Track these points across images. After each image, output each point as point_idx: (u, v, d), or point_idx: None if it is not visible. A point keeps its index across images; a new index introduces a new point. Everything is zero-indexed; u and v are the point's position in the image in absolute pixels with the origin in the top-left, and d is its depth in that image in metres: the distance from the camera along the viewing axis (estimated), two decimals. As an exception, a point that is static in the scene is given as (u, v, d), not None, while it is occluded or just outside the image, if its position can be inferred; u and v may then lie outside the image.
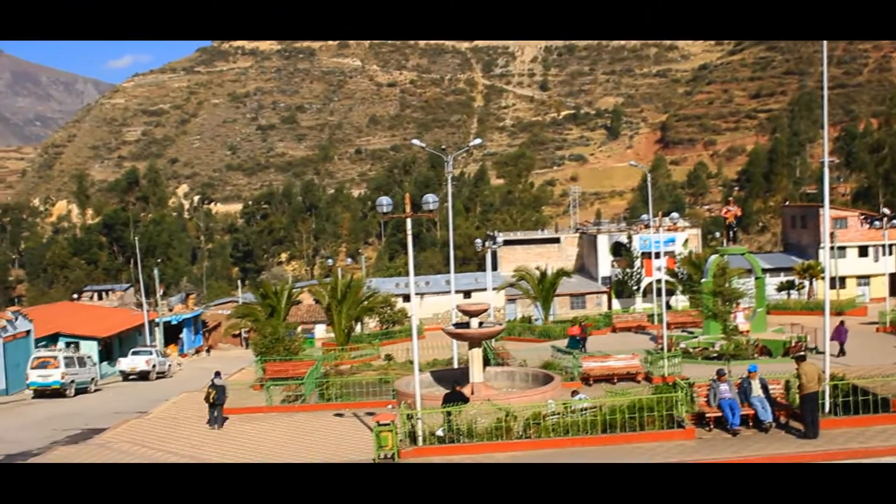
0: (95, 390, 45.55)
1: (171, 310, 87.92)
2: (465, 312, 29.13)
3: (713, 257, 43.57)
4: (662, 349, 36.17)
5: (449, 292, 42.15)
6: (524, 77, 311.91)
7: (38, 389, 41.15)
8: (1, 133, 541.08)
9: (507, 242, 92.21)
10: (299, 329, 61.22)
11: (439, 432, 21.54)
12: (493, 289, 68.00)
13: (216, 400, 27.62)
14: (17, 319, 46.90)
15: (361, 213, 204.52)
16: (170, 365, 58.62)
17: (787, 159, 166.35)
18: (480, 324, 28.95)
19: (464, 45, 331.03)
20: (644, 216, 76.36)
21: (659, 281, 47.83)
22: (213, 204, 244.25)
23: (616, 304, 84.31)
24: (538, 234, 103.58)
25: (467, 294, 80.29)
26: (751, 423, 22.14)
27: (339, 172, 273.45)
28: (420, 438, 21.51)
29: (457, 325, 30.13)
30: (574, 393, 25.98)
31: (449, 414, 21.87)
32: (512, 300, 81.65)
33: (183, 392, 37.73)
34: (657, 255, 54.88)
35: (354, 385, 32.17)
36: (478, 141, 43.40)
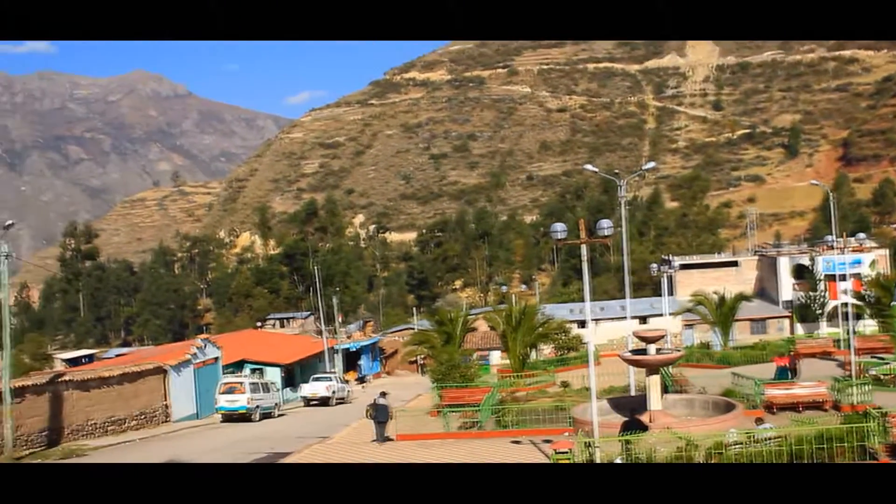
0: (279, 415, 46.94)
1: (349, 337, 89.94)
2: (642, 338, 28.67)
3: (904, 279, 41.51)
4: (851, 376, 34.62)
5: (624, 318, 41.63)
6: (696, 97, 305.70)
7: (226, 414, 42.68)
8: (189, 169, 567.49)
9: (683, 266, 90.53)
10: (475, 356, 61.56)
11: (618, 461, 21.22)
12: (670, 314, 66.74)
13: (376, 418, 29.92)
14: (206, 347, 48.90)
15: (534, 240, 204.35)
16: (349, 391, 59.90)
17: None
18: (658, 350, 28.44)
19: (633, 68, 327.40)
20: (828, 237, 73.52)
21: (845, 304, 45.93)
22: (388, 233, 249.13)
23: (799, 328, 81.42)
24: (715, 258, 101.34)
25: (643, 319, 79.07)
26: (951, 455, 20.91)
27: (511, 199, 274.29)
28: (598, 467, 21.26)
29: (634, 352, 29.67)
30: (758, 421, 25.17)
31: (628, 442, 21.55)
32: (689, 325, 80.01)
33: (362, 418, 38.47)
34: (842, 278, 52.70)
35: (530, 412, 32.07)
36: (651, 164, 42.81)
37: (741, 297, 62.18)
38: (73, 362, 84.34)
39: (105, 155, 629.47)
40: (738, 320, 68.27)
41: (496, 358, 77.53)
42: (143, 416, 39.16)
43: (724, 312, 60.31)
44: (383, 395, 32.00)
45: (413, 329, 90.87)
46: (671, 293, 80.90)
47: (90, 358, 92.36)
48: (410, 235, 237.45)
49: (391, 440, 30.32)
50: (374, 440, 30.22)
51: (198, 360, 46.67)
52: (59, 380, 33.85)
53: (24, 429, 30.36)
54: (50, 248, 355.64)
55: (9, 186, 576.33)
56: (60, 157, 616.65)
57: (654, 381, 27.49)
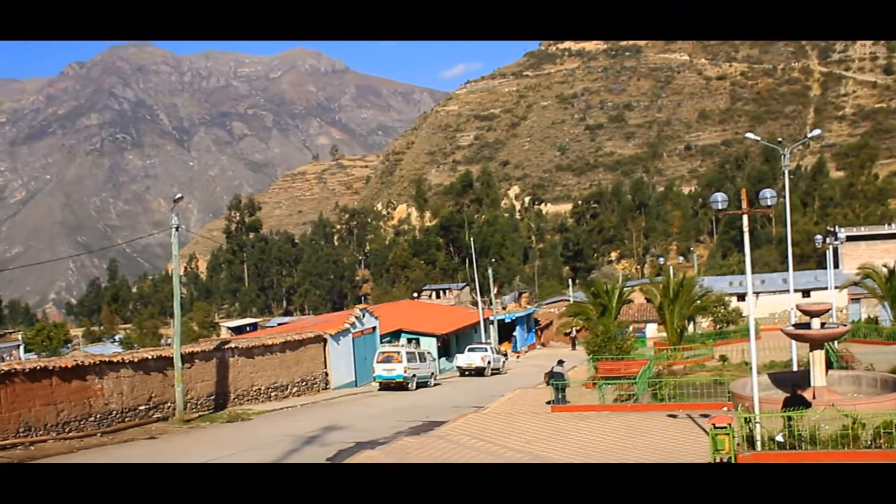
0: (434, 385, 47.55)
1: (504, 308, 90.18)
2: (806, 312, 27.72)
3: None
4: None
5: (786, 291, 40.39)
6: (865, 62, 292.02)
7: (382, 382, 43.45)
8: (348, 143, 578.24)
9: (849, 238, 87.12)
10: (630, 328, 60.86)
11: (779, 437, 20.61)
12: (835, 287, 64.33)
13: (552, 382, 31.62)
14: (364, 316, 49.86)
15: (692, 211, 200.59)
16: (504, 362, 60.14)
17: None
18: (822, 324, 27.46)
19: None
20: None
21: None
22: (543, 204, 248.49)
23: (978, 303, 77.26)
24: (884, 229, 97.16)
25: (806, 293, 76.68)
26: None
27: (668, 170, 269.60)
28: (758, 443, 20.72)
29: (796, 326, 28.75)
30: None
31: (790, 419, 20.90)
32: (856, 300, 76.96)
33: (517, 388, 38.59)
34: None
35: (688, 386, 31.53)
36: (816, 132, 41.20)
37: (913, 270, 59.31)
38: (238, 330, 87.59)
39: (267, 130, 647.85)
40: (909, 294, 65.22)
41: (652, 330, 76.57)
42: (303, 383, 40.26)
43: (893, 286, 57.67)
44: (560, 363, 33.36)
45: (568, 301, 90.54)
46: (836, 266, 78.02)
47: (254, 326, 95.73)
48: (566, 207, 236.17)
49: (568, 402, 31.43)
50: (548, 402, 31.44)
51: (356, 330, 47.61)
52: (226, 347, 35.09)
53: (192, 393, 31.66)
54: (216, 220, 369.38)
55: (178, 162, 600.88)
56: (225, 133, 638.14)
57: (819, 357, 26.58)
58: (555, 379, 31.77)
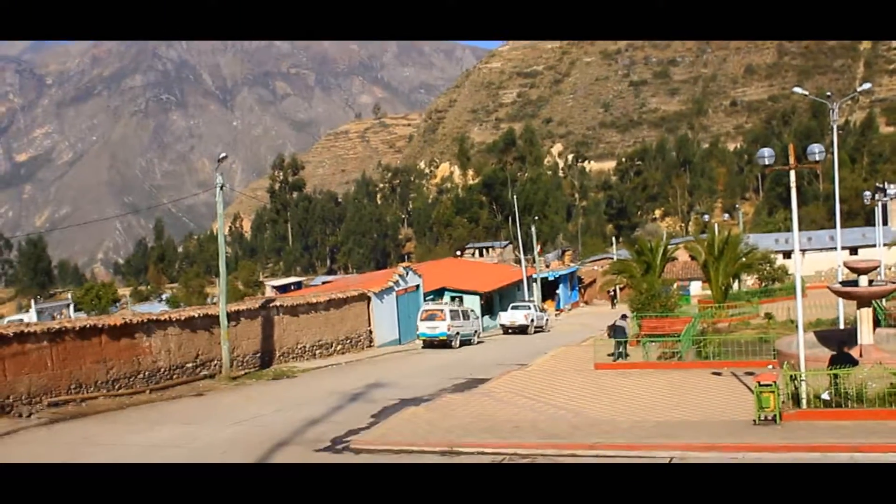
0: (478, 342, 47.69)
1: (547, 266, 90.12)
2: (853, 269, 27.36)
3: None
4: None
5: (833, 248, 39.93)
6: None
7: (426, 340, 43.62)
8: (390, 101, 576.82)
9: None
10: (675, 286, 60.64)
11: (825, 395, 20.47)
12: (884, 244, 63.51)
13: (614, 336, 32.48)
14: (407, 274, 50.06)
15: (738, 168, 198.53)
16: (547, 319, 60.18)
17: None
18: (870, 282, 27.12)
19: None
20: None
21: None
22: (586, 162, 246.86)
23: None
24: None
25: (853, 250, 75.66)
26: None
27: (713, 126, 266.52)
28: (804, 401, 20.60)
29: (844, 283, 28.42)
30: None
31: (836, 376, 20.74)
32: (904, 256, 76.12)
33: (561, 346, 38.62)
34: None
35: (732, 343, 31.35)
36: (866, 86, 40.47)
37: (964, 227, 58.47)
38: (282, 289, 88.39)
39: (310, 90, 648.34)
40: (959, 251, 64.36)
41: (696, 288, 76.19)
42: (348, 341, 40.58)
43: (944, 243, 56.96)
44: (624, 317, 34.29)
45: (612, 258, 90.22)
46: (885, 223, 76.95)
47: (298, 285, 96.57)
48: (609, 164, 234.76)
49: (628, 356, 32.12)
50: (609, 354, 31.90)
51: (400, 288, 47.84)
52: (271, 305, 35.40)
53: (238, 350, 32.05)
54: (260, 180, 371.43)
55: (222, 122, 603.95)
56: (268, 92, 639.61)
57: (866, 315, 26.27)
58: (616, 334, 32.38)
